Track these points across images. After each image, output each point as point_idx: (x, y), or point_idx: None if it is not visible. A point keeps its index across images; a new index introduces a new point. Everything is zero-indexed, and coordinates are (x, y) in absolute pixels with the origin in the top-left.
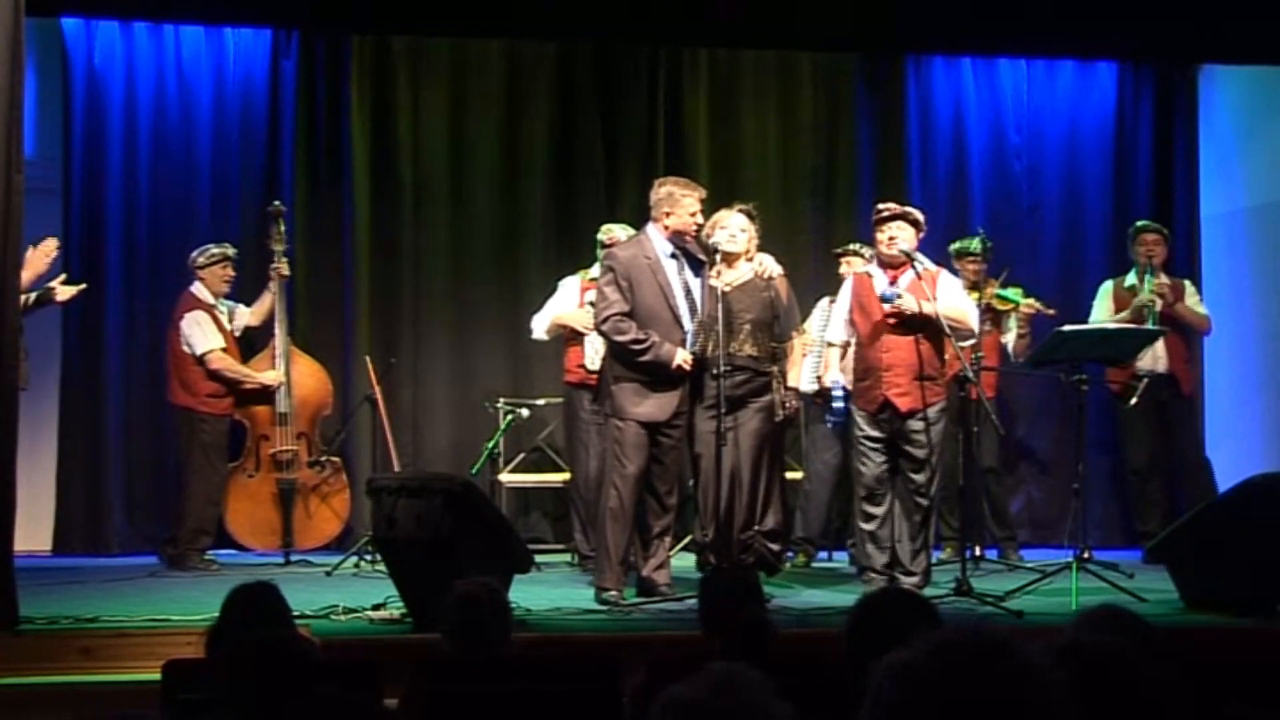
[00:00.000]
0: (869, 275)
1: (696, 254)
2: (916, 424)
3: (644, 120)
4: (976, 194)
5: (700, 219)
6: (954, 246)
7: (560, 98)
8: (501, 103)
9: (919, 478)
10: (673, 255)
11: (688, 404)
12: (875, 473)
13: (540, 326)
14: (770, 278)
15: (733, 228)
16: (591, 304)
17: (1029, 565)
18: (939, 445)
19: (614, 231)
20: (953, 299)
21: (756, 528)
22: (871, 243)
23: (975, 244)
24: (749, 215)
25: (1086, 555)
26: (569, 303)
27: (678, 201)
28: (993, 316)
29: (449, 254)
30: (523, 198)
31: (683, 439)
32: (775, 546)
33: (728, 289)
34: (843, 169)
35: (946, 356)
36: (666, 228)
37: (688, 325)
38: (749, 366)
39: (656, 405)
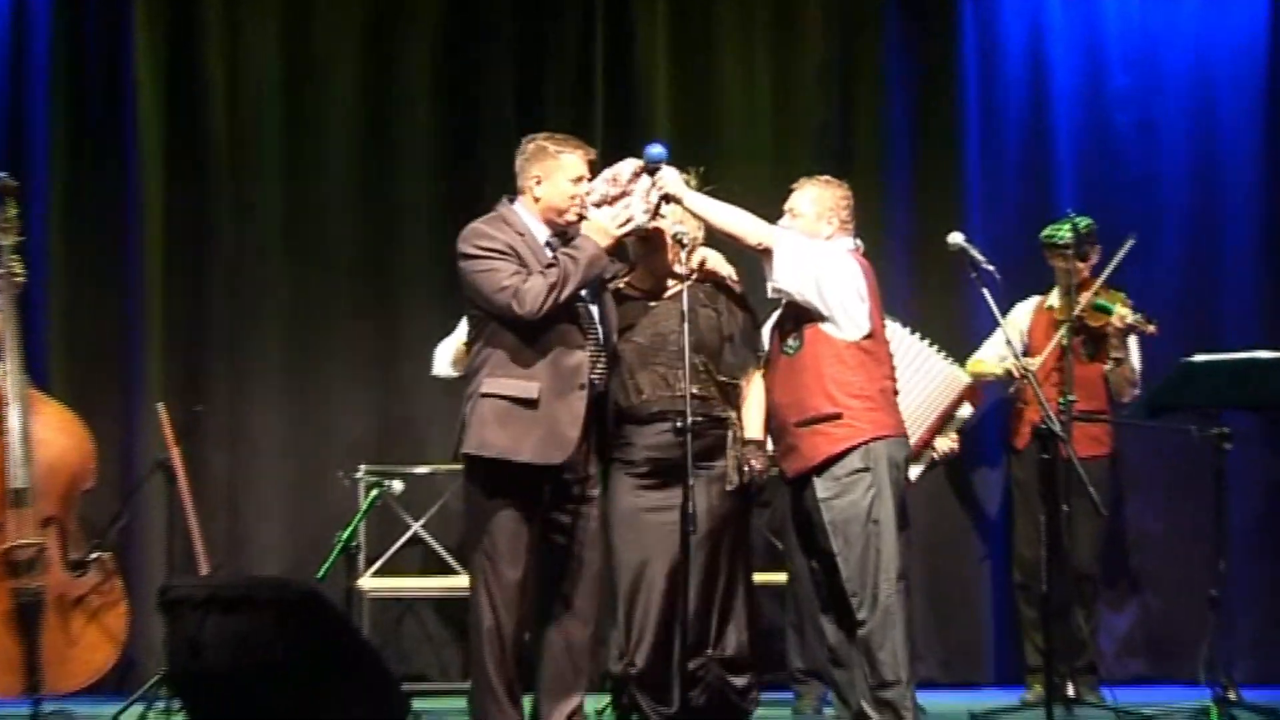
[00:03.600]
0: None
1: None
2: (811, 500)
3: (575, 55)
4: (1064, 159)
5: (587, 191)
6: (1042, 235)
7: (451, 21)
8: (364, 27)
9: (838, 581)
10: (547, 244)
11: (594, 466)
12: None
13: (446, 358)
14: (721, 280)
15: (678, 208)
16: None
17: (1135, 711)
18: (866, 535)
19: None
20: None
21: (710, 652)
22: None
23: (1064, 231)
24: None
25: (1232, 695)
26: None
27: (551, 164)
28: (1089, 336)
29: (285, 252)
30: (399, 168)
31: (593, 520)
32: (741, 681)
33: (654, 303)
34: (864, 126)
35: (855, 381)
36: (537, 200)
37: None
38: (680, 412)
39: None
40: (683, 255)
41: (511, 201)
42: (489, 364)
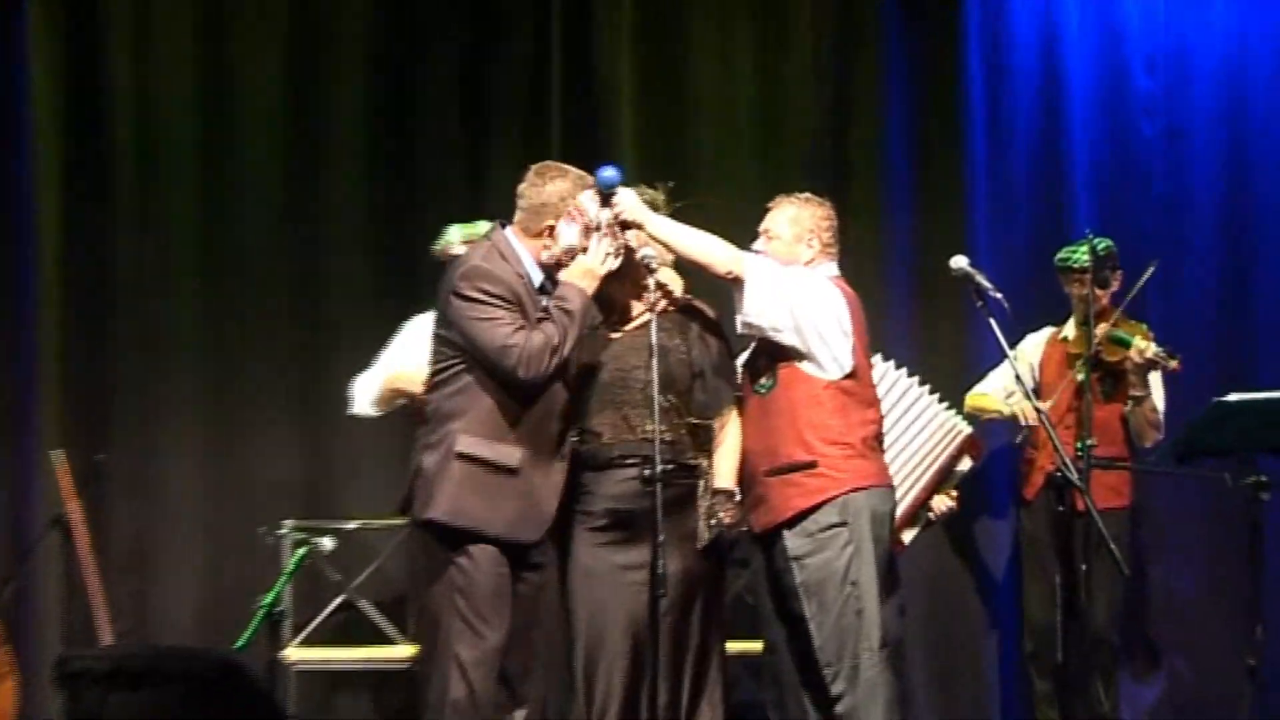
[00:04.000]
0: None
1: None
2: (781, 558)
3: (531, 44)
4: (1081, 173)
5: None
6: (1056, 258)
7: (387, 27)
8: (288, 37)
9: (807, 650)
10: (541, 289)
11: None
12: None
13: (367, 394)
14: (691, 306)
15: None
16: None
17: None
18: (844, 598)
19: (451, 243)
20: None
21: None
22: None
23: (1082, 254)
24: (651, 204)
25: None
26: (414, 354)
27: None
28: (1106, 372)
29: (200, 279)
30: (329, 189)
31: (546, 584)
32: None
33: (616, 335)
34: (857, 135)
35: (844, 424)
36: (544, 246)
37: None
38: (644, 457)
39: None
40: (651, 282)
41: (503, 227)
42: (464, 419)
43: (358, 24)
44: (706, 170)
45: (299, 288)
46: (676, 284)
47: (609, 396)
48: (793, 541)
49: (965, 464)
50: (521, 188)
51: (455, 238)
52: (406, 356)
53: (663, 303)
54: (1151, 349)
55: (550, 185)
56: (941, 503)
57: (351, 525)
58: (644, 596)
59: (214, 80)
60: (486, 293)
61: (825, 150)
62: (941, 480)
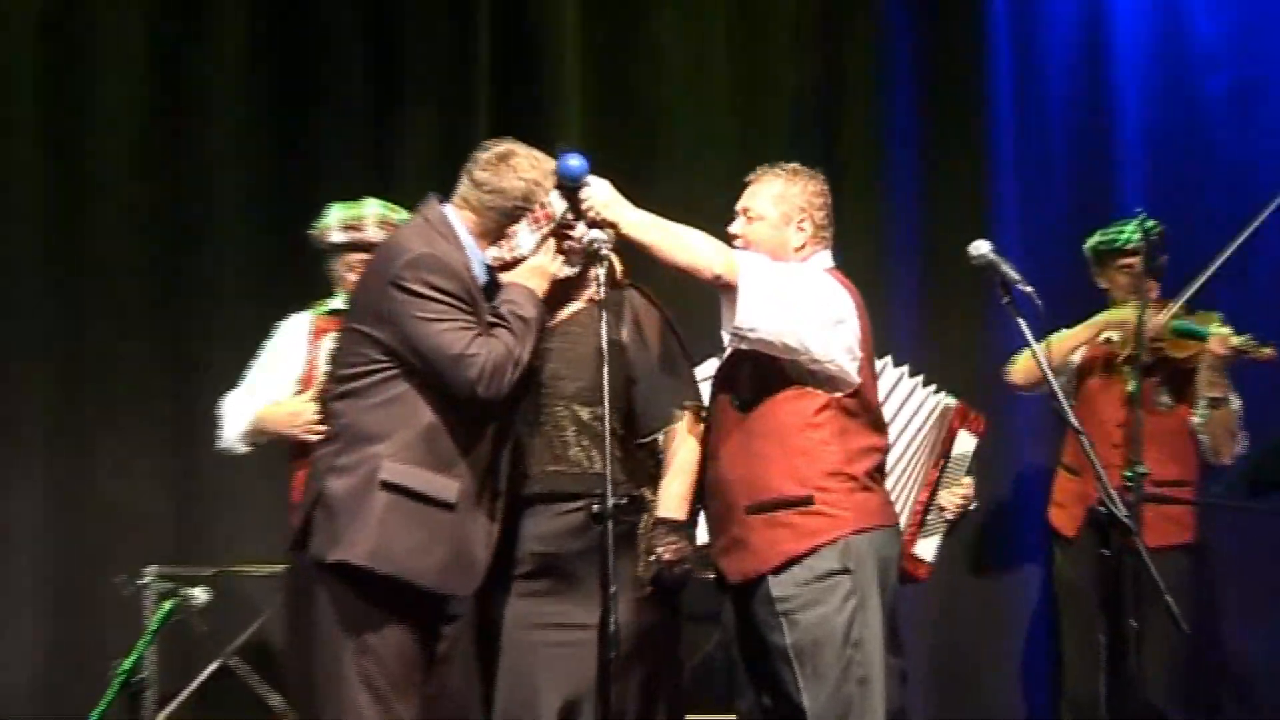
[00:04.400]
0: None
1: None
2: (765, 611)
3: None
4: (1128, 136)
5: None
6: (1093, 242)
7: None
8: None
9: None
10: (486, 287)
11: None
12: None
13: (235, 425)
14: (634, 288)
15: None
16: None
17: None
18: (845, 663)
19: (363, 219)
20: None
21: None
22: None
23: (1129, 232)
24: None
25: None
26: (286, 375)
27: (531, 208)
28: (1168, 374)
29: (46, 278)
30: (198, 151)
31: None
32: None
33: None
34: (855, 96)
35: (859, 449)
36: (495, 237)
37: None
38: (580, 493)
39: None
40: (600, 273)
41: (441, 205)
42: (391, 440)
43: None
44: (669, 144)
45: (166, 286)
46: (616, 266)
47: (529, 414)
48: (781, 591)
49: (966, 442)
50: (475, 169)
51: (335, 221)
52: (277, 379)
53: (611, 289)
54: (1236, 337)
55: (515, 176)
56: (951, 498)
57: (231, 573)
58: (575, 659)
59: (60, 42)
60: (438, 288)
61: (811, 112)
62: (939, 470)
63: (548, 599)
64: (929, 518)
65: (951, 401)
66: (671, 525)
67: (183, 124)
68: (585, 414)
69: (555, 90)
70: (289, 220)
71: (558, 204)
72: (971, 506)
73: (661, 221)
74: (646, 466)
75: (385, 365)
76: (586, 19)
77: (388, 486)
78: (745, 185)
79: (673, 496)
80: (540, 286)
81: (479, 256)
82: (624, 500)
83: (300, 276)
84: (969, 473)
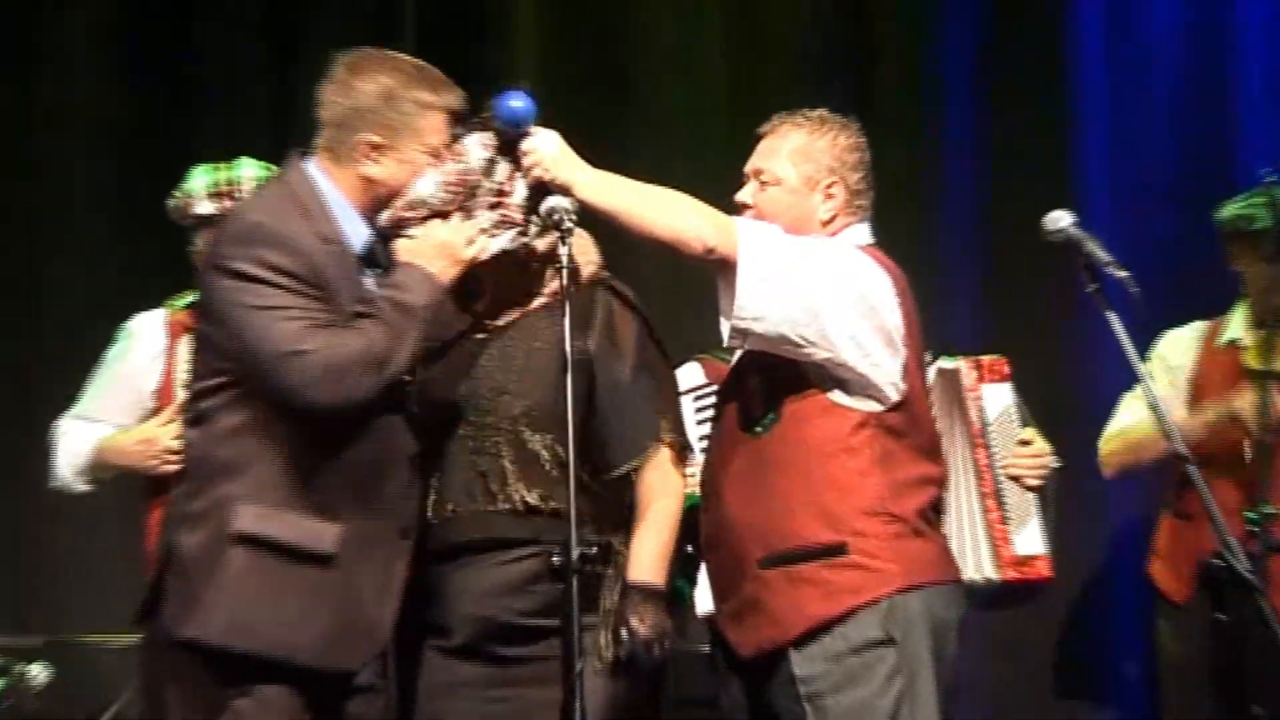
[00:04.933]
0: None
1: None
2: (784, 695)
3: None
4: (1251, 83)
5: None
6: (1227, 213)
7: None
8: None
9: None
10: (369, 254)
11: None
12: None
13: (70, 457)
14: (576, 288)
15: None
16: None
17: None
18: None
19: (238, 183)
20: None
21: None
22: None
23: (1259, 209)
24: None
25: None
26: (135, 390)
27: (404, 123)
28: None
29: None
30: (45, 116)
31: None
32: None
33: (482, 335)
34: (887, 13)
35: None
36: (368, 182)
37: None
38: (524, 539)
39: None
40: (563, 252)
41: (303, 160)
42: (245, 476)
43: None
44: (652, 80)
45: (4, 287)
46: (588, 253)
47: (459, 443)
48: (807, 668)
49: (998, 395)
50: (325, 92)
51: (202, 187)
52: (126, 397)
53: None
54: None
55: (369, 82)
56: (1020, 461)
57: (78, 645)
58: None
59: None
60: (271, 266)
61: (834, 48)
62: (985, 444)
63: (484, 675)
64: (1008, 502)
65: (947, 363)
66: (648, 592)
67: (27, 87)
68: (534, 441)
69: (500, 27)
70: (158, 210)
71: (474, 149)
72: (1053, 463)
73: (632, 183)
74: (616, 508)
75: (231, 379)
76: None
77: (243, 539)
78: (757, 139)
79: (647, 556)
80: (445, 270)
81: (358, 224)
82: (591, 549)
83: (141, 253)
84: (1025, 424)
